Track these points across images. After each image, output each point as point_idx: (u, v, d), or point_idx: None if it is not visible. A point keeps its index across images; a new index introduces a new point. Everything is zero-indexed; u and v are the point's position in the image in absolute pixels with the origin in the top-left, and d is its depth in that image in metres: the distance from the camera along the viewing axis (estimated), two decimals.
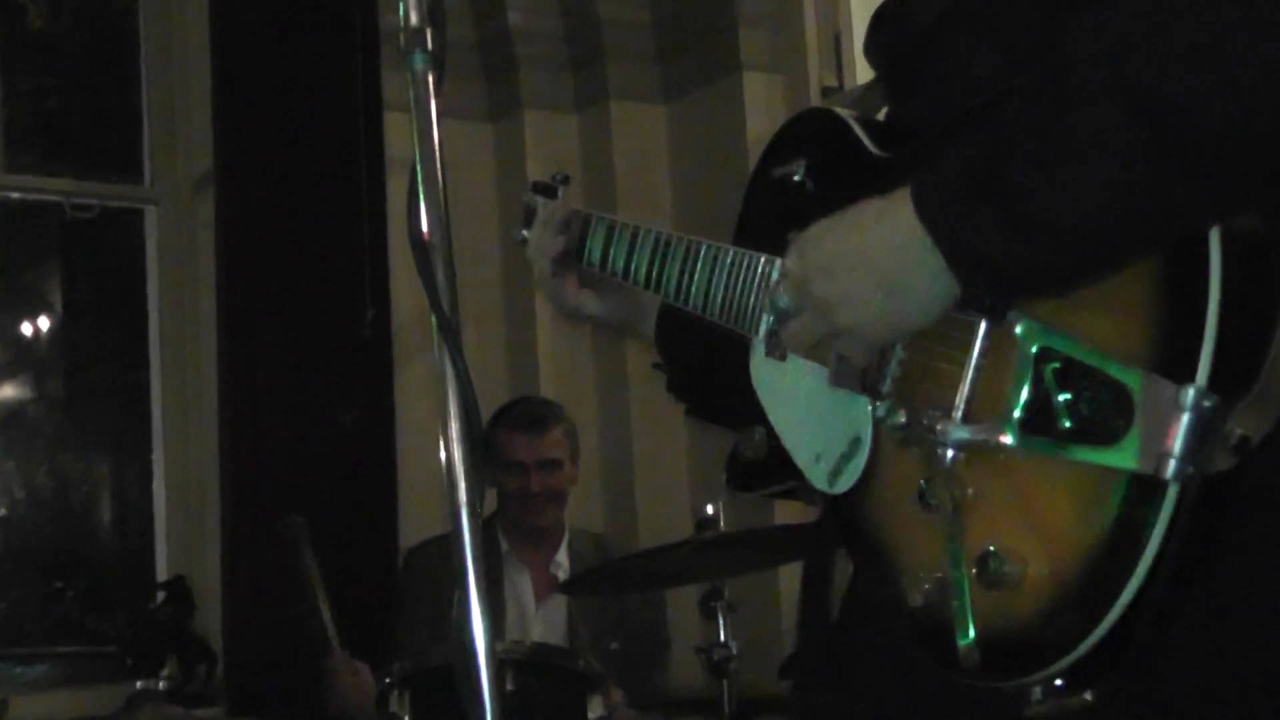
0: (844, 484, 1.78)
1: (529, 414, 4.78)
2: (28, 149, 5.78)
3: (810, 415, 1.85)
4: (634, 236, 2.22)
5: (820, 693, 1.98)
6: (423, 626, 4.72)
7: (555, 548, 4.82)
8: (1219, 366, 1.42)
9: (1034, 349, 1.55)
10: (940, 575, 1.62)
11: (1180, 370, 1.43)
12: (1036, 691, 1.54)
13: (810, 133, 1.98)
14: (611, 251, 2.25)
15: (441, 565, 4.77)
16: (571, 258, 2.32)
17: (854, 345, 1.72)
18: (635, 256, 2.20)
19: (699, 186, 5.74)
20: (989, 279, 1.56)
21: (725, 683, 4.06)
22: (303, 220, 5.49)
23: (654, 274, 2.15)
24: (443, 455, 1.68)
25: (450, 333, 1.68)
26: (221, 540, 5.37)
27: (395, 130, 5.55)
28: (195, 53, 5.67)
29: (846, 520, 1.81)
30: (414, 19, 1.79)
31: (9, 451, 5.93)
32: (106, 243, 5.97)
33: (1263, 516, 1.53)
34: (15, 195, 5.70)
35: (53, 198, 5.77)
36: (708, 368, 2.14)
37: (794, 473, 1.88)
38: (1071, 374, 1.52)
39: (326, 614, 4.45)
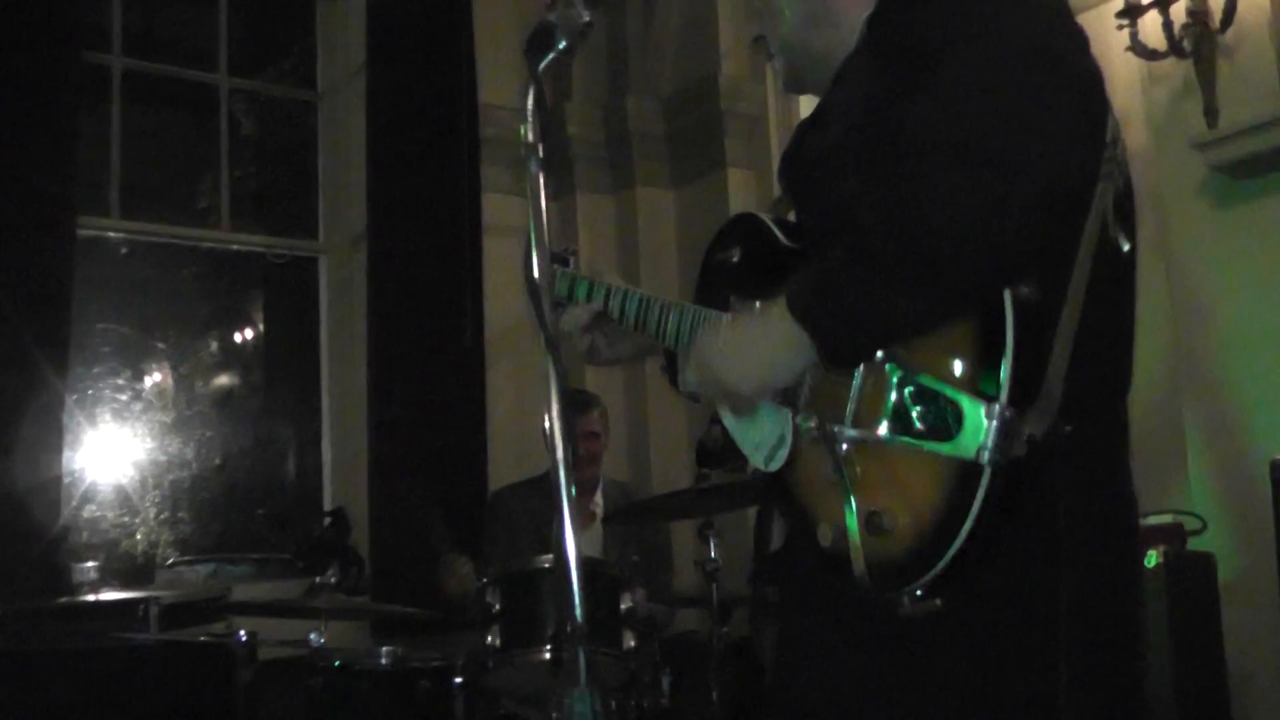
0: (776, 465, 1.83)
1: (577, 400, 4.75)
2: (243, 214, 5.87)
3: (752, 419, 1.88)
4: (626, 295, 2.21)
5: (766, 588, 2.02)
6: (503, 543, 4.77)
7: (593, 492, 4.87)
8: (1014, 389, 1.54)
9: (895, 377, 1.63)
10: (840, 525, 1.69)
11: (990, 391, 1.54)
12: (905, 600, 1.62)
13: (743, 230, 2.00)
14: (616, 307, 2.23)
15: (515, 504, 4.88)
16: (599, 319, 2.28)
17: (738, 403, 1.85)
18: (629, 308, 2.19)
19: (695, 246, 5.75)
20: (829, 350, 1.67)
21: (714, 586, 4.09)
22: (425, 266, 5.52)
23: (643, 320, 2.15)
24: (547, 426, 1.70)
25: (553, 345, 1.71)
26: (368, 484, 5.44)
27: (490, 205, 5.69)
28: (355, 146, 5.72)
29: (780, 489, 1.85)
30: (530, 136, 1.83)
31: (222, 421, 6.03)
32: (294, 280, 6.04)
33: (1044, 484, 1.61)
34: (234, 247, 5.81)
35: (258, 248, 5.88)
36: None
37: (741, 457, 1.92)
38: (922, 394, 1.61)
39: (445, 532, 4.55)
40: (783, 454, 1.82)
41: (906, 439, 1.62)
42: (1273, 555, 3.13)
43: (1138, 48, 4.12)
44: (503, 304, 5.73)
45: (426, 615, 4.39)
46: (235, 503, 6.02)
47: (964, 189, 1.53)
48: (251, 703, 4.10)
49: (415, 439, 5.42)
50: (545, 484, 4.72)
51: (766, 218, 1.96)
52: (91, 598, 4.43)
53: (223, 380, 6.36)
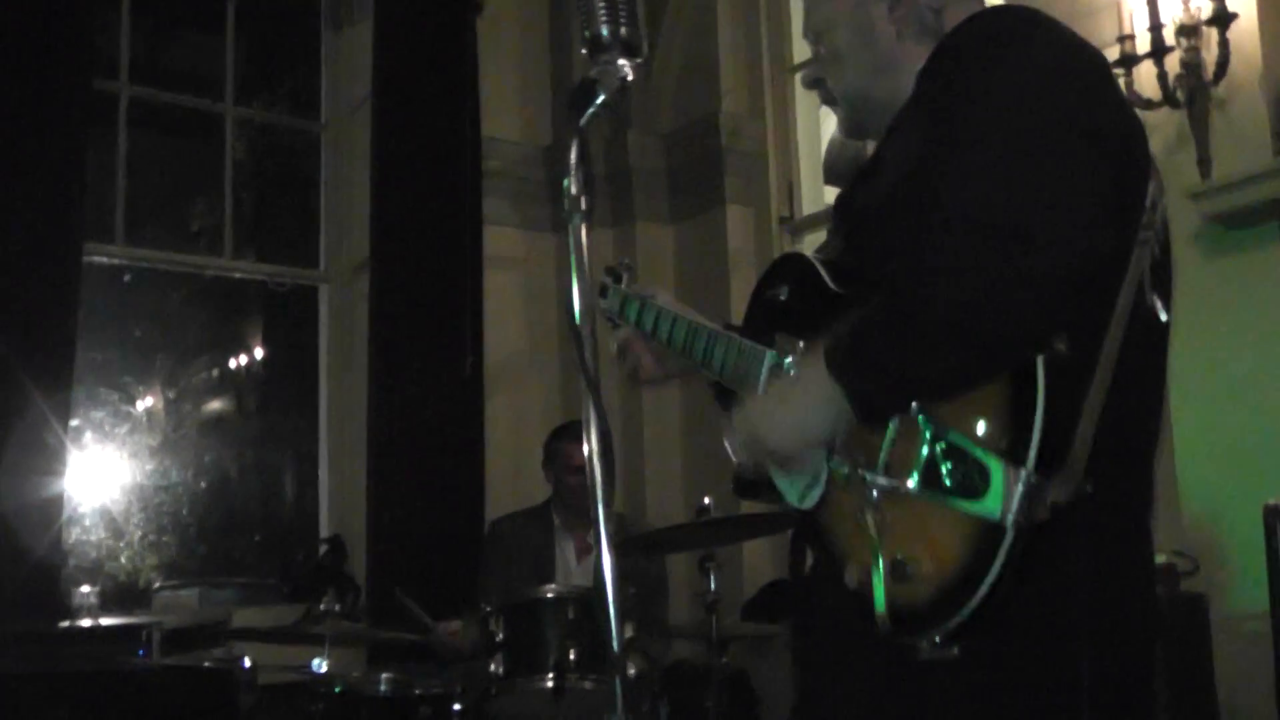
0: (809, 503, 1.85)
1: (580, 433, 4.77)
2: (246, 243, 5.94)
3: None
4: (675, 319, 2.25)
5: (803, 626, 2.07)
6: (500, 573, 4.76)
7: (590, 524, 4.88)
8: (1043, 455, 1.55)
9: (928, 433, 1.65)
10: (866, 568, 1.71)
11: (1019, 455, 1.56)
12: (924, 645, 1.64)
13: (791, 269, 2.02)
14: (665, 330, 2.27)
15: (513, 534, 4.90)
16: (647, 339, 2.33)
17: (783, 462, 1.88)
18: (676, 333, 2.24)
19: (694, 282, 5.85)
20: (860, 406, 1.70)
21: (714, 618, 4.11)
22: (426, 296, 5.58)
23: (688, 347, 2.19)
24: (587, 454, 1.75)
25: (594, 387, 1.73)
26: (367, 511, 5.48)
27: (491, 237, 5.78)
28: (357, 175, 5.79)
29: (812, 526, 1.87)
30: (574, 189, 1.81)
31: (215, 446, 6.06)
32: (295, 307, 6.10)
33: (1065, 545, 1.63)
34: (237, 275, 5.87)
35: (260, 276, 5.94)
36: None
37: (776, 491, 1.93)
38: (952, 452, 1.62)
39: (424, 617, 4.52)
40: (816, 493, 1.84)
41: (936, 492, 1.64)
42: (1265, 597, 3.20)
43: (1132, 97, 4.22)
44: (502, 335, 5.81)
45: (427, 642, 4.41)
46: (222, 527, 6.06)
47: (991, 260, 1.56)
48: None
49: (414, 467, 5.48)
50: (543, 514, 4.88)
51: (816, 260, 1.97)
52: (93, 622, 4.44)
53: (218, 405, 6.40)
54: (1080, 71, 1.72)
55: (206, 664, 4.16)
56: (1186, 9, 4.15)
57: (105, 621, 4.46)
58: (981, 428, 1.62)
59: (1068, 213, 1.56)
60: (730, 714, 4.33)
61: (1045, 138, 1.61)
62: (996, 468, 1.58)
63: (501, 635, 3.99)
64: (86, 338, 5.05)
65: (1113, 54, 4.24)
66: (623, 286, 2.49)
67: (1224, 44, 4.04)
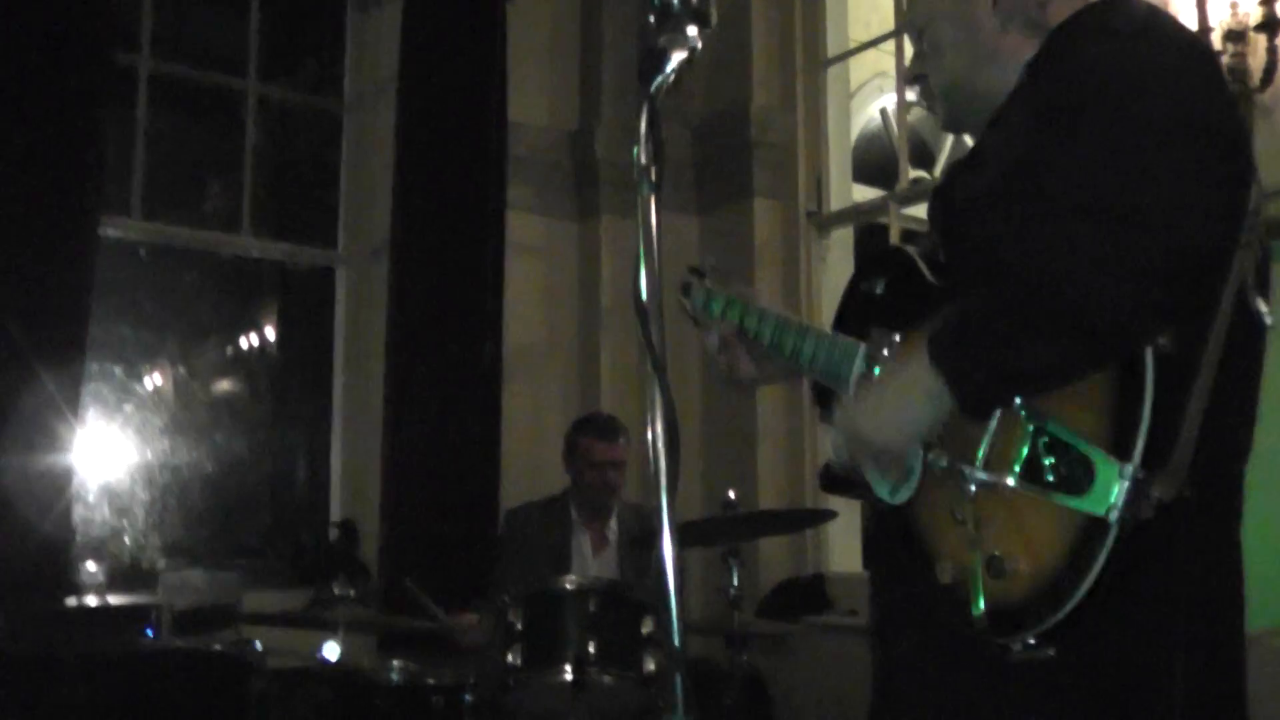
0: (901, 498, 1.80)
1: (607, 427, 4.67)
2: (265, 223, 5.78)
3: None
4: (762, 315, 2.19)
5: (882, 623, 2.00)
6: (517, 563, 4.64)
7: (609, 518, 4.74)
8: (1148, 451, 1.51)
9: (1031, 427, 1.61)
10: (962, 566, 1.67)
11: (1124, 450, 1.52)
12: (1018, 645, 1.60)
13: (888, 262, 1.99)
14: (754, 326, 2.21)
15: (530, 524, 4.75)
16: (738, 338, 2.25)
17: (887, 461, 1.81)
18: (764, 329, 2.18)
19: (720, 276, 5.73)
20: (965, 399, 1.64)
21: (736, 613, 4.03)
22: (446, 281, 5.45)
23: (777, 342, 2.14)
24: (651, 448, 1.59)
25: (660, 369, 1.61)
26: (381, 497, 5.33)
27: (514, 223, 5.63)
28: (379, 157, 5.64)
29: (899, 521, 1.82)
30: (644, 159, 1.74)
31: (226, 427, 5.93)
32: (313, 289, 5.98)
33: (1166, 547, 1.58)
34: (255, 254, 5.73)
35: (278, 257, 5.81)
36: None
37: (865, 487, 1.89)
38: (1055, 446, 1.58)
39: (437, 611, 4.34)
40: (909, 487, 1.80)
41: (1037, 487, 1.60)
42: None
43: None
44: (522, 323, 5.66)
45: (440, 630, 4.26)
46: (231, 509, 5.94)
47: (1101, 245, 1.52)
48: (262, 713, 4.02)
49: (429, 454, 5.34)
50: (559, 506, 4.73)
51: (916, 253, 1.93)
52: (101, 601, 4.30)
53: (229, 385, 6.27)
54: (1197, 69, 1.66)
55: (217, 648, 3.99)
56: (1234, 13, 4.02)
57: (114, 600, 4.31)
58: (1086, 421, 1.58)
59: (1180, 201, 1.51)
60: (747, 713, 4.20)
61: (1161, 130, 1.56)
62: (1102, 462, 1.54)
63: (520, 626, 3.82)
64: (99, 314, 4.89)
65: None
66: (707, 285, 2.41)
67: (1271, 50, 3.91)
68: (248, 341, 6.26)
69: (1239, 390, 1.69)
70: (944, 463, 1.72)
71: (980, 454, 1.67)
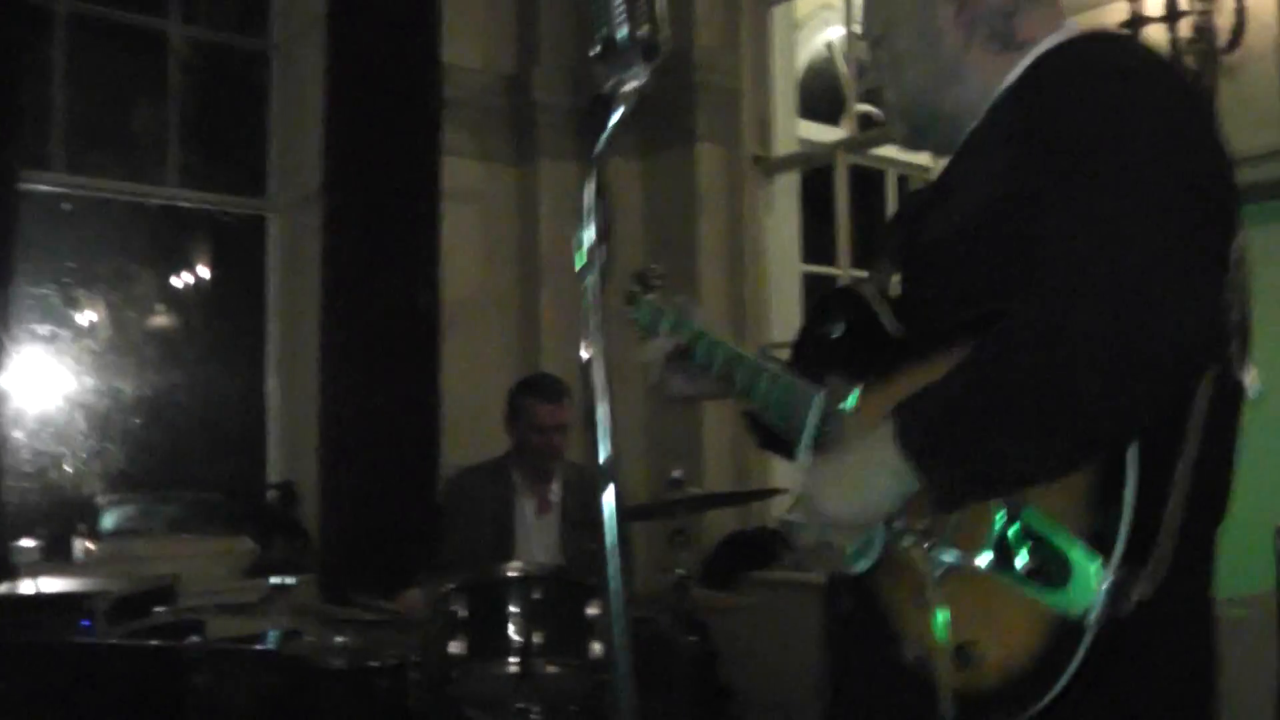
0: (861, 567, 1.68)
1: (552, 388, 4.52)
2: (192, 172, 5.59)
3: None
4: (716, 346, 2.08)
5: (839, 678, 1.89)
6: (462, 531, 4.52)
7: (551, 480, 4.60)
8: (1129, 548, 1.40)
9: (1003, 511, 1.50)
10: (925, 646, 1.56)
11: (1105, 546, 1.41)
12: None
13: (846, 304, 1.85)
14: (704, 352, 2.10)
15: (474, 489, 4.65)
16: (680, 355, 2.14)
17: (846, 534, 1.68)
18: (716, 357, 2.07)
19: (662, 221, 5.61)
20: (938, 497, 1.53)
21: (683, 593, 3.96)
22: (381, 229, 5.27)
23: (729, 374, 2.03)
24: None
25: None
26: (318, 458, 5.22)
27: (450, 169, 5.43)
28: (309, 100, 5.42)
29: (863, 590, 1.71)
30: (590, 239, 1.43)
31: (161, 362, 5.81)
32: (244, 238, 5.79)
33: (1142, 638, 1.48)
34: (183, 204, 5.52)
35: (208, 206, 5.61)
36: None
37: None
38: (1030, 534, 1.47)
39: (378, 604, 4.14)
40: (870, 557, 1.68)
41: (1008, 575, 1.49)
42: (1273, 628, 3.02)
43: None
44: (460, 272, 5.50)
45: (384, 619, 4.18)
46: (166, 442, 5.82)
47: (1104, 342, 1.38)
48: (204, 703, 3.94)
49: (367, 411, 5.22)
50: (501, 469, 4.63)
51: (872, 295, 1.81)
52: (36, 589, 4.19)
53: (163, 321, 6.12)
54: (1192, 120, 1.54)
55: (156, 644, 3.89)
56: None
57: (50, 589, 4.20)
58: (1063, 508, 1.45)
59: (1187, 291, 1.38)
60: (699, 691, 4.19)
61: (1163, 203, 1.43)
62: (1081, 558, 1.42)
63: (463, 615, 3.73)
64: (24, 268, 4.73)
65: (1121, 13, 3.97)
66: (653, 298, 2.29)
67: (1239, 11, 3.78)
68: (181, 281, 6.08)
69: (1219, 458, 1.58)
70: (908, 541, 1.61)
71: (949, 530, 1.57)
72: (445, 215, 5.40)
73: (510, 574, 3.85)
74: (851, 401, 1.78)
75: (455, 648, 3.76)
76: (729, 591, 5.01)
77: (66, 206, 5.27)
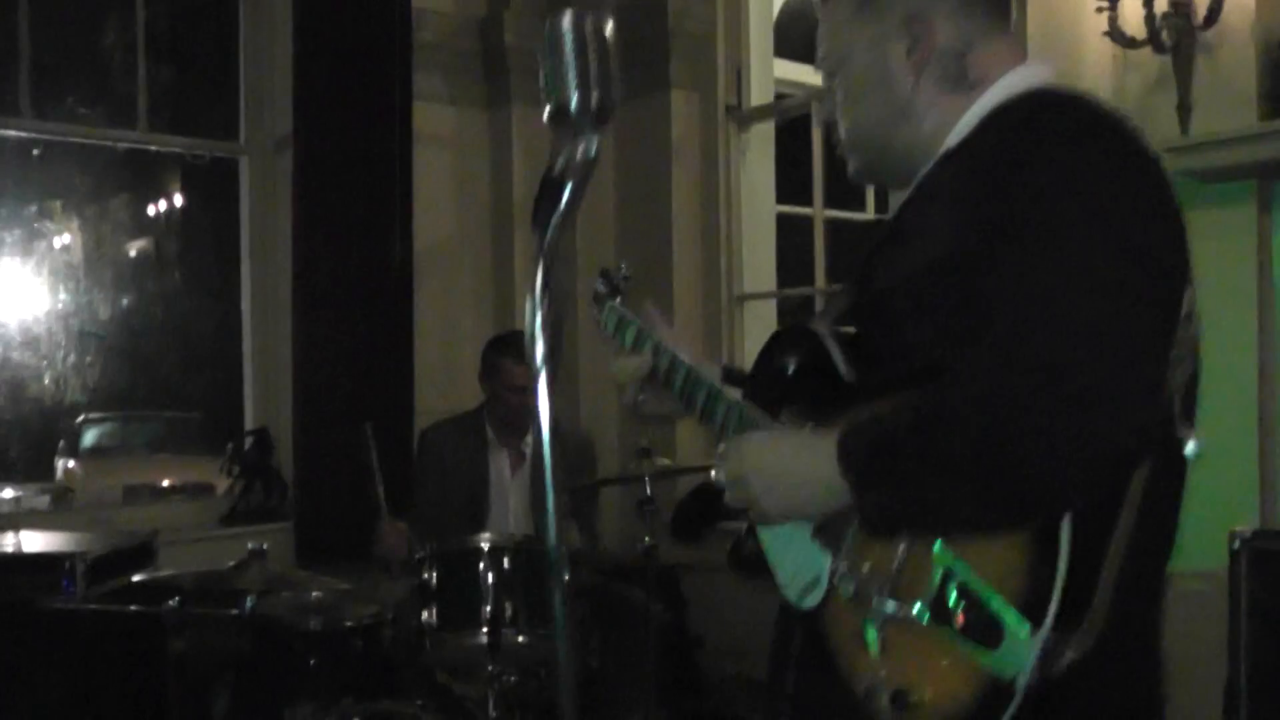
0: (808, 604, 1.74)
1: (519, 349, 4.43)
2: (160, 117, 5.52)
3: (790, 548, 1.79)
4: (674, 361, 2.11)
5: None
6: (433, 485, 4.58)
7: (524, 435, 4.63)
8: (1061, 613, 1.42)
9: (942, 566, 1.53)
10: (869, 687, 1.60)
11: (1036, 612, 1.42)
12: None
13: (803, 344, 1.87)
14: (665, 370, 2.12)
15: (446, 443, 4.65)
16: (651, 376, 2.16)
17: (763, 518, 1.75)
18: (675, 375, 2.10)
19: (635, 169, 5.57)
20: (867, 520, 1.58)
21: (650, 563, 4.05)
22: (353, 174, 5.21)
23: (687, 394, 2.05)
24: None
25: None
26: (292, 405, 5.23)
27: (421, 114, 5.38)
28: (279, 48, 5.33)
29: (809, 627, 1.76)
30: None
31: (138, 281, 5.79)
32: (215, 181, 5.75)
33: (1082, 696, 1.51)
34: (153, 148, 5.44)
35: (177, 149, 5.53)
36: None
37: (770, 573, 1.83)
38: (966, 594, 1.50)
39: (381, 492, 4.24)
40: (817, 595, 1.73)
41: (944, 629, 1.52)
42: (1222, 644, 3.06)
43: (1115, 34, 3.92)
44: (433, 218, 5.47)
45: (358, 592, 4.21)
46: (145, 358, 5.83)
47: (1050, 418, 1.40)
48: (184, 663, 3.99)
49: (341, 358, 5.21)
50: (475, 423, 4.65)
51: (827, 334, 1.82)
52: (17, 544, 4.21)
53: (136, 246, 6.09)
54: (1139, 186, 1.55)
55: (133, 608, 3.93)
56: None
57: (28, 544, 4.22)
58: (999, 571, 1.48)
59: (1134, 377, 1.42)
60: (666, 654, 4.26)
61: (1109, 271, 1.44)
62: (1013, 622, 1.45)
63: (434, 584, 3.82)
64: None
65: None
66: (618, 304, 2.33)
67: None
68: (155, 209, 6.04)
69: (1160, 524, 1.61)
70: (851, 589, 1.65)
71: (889, 577, 1.60)
72: (417, 159, 5.34)
73: (480, 544, 3.90)
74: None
75: (426, 616, 3.85)
76: (698, 543, 5.08)
77: (36, 153, 5.21)
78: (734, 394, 1.99)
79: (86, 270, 5.80)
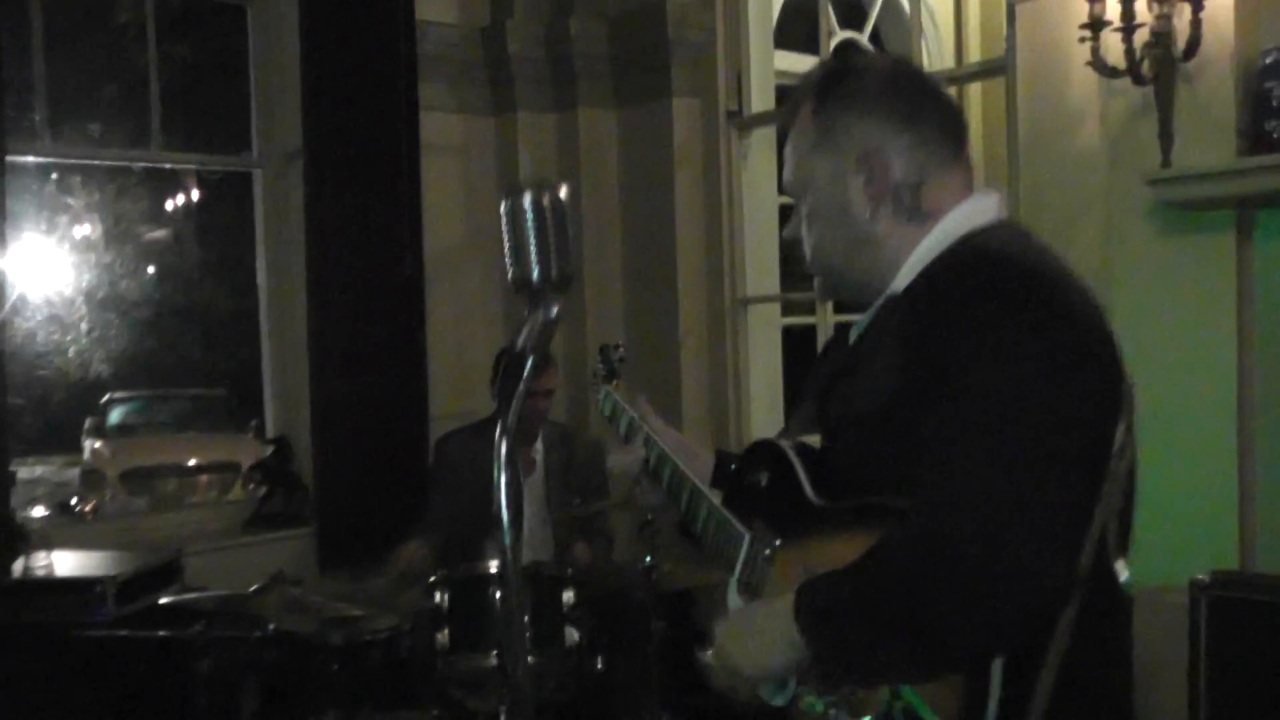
0: (780, 702, 1.85)
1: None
2: (175, 133, 5.64)
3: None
4: (663, 457, 2.24)
5: None
6: (448, 494, 4.74)
7: (534, 440, 4.82)
8: None
9: (890, 690, 1.64)
10: None
11: None
12: None
13: (770, 457, 1.97)
14: (654, 463, 2.26)
15: (460, 452, 4.82)
16: (644, 467, 2.30)
17: (749, 684, 1.86)
18: (664, 470, 2.23)
19: (639, 173, 5.66)
20: (821, 675, 1.72)
21: (653, 582, 4.23)
22: (363, 184, 5.32)
23: (675, 491, 2.20)
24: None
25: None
26: (310, 413, 5.37)
27: (428, 124, 5.48)
28: (288, 58, 5.42)
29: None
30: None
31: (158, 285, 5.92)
32: (228, 195, 5.86)
33: None
34: (168, 166, 5.56)
35: (191, 166, 5.66)
36: None
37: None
38: (909, 714, 1.62)
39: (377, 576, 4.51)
40: (787, 695, 1.85)
41: None
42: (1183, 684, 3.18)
43: (1097, 63, 3.98)
44: (443, 226, 5.59)
45: (377, 603, 4.39)
46: (169, 335, 5.97)
47: (973, 600, 1.52)
48: (210, 682, 4.17)
49: (356, 367, 5.34)
50: (488, 430, 4.76)
51: (793, 452, 1.94)
52: (49, 564, 4.38)
53: (156, 233, 6.23)
54: (1065, 348, 1.61)
55: (161, 634, 4.11)
56: None
57: (60, 563, 4.40)
58: (939, 698, 1.60)
59: (1046, 546, 1.51)
60: (671, 660, 4.40)
61: (1029, 448, 1.54)
62: None
63: (446, 607, 4.04)
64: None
65: (1081, 14, 3.97)
66: (616, 392, 2.47)
67: (1196, 24, 3.79)
68: (173, 203, 6.16)
69: (1100, 648, 1.70)
70: (810, 698, 1.78)
71: (844, 699, 1.73)
72: (425, 169, 5.44)
73: (490, 569, 4.09)
74: (770, 552, 1.94)
75: (440, 639, 4.05)
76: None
77: (54, 176, 5.34)
78: (713, 497, 2.11)
79: (107, 251, 5.94)
